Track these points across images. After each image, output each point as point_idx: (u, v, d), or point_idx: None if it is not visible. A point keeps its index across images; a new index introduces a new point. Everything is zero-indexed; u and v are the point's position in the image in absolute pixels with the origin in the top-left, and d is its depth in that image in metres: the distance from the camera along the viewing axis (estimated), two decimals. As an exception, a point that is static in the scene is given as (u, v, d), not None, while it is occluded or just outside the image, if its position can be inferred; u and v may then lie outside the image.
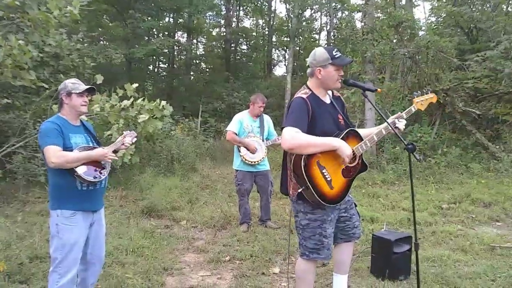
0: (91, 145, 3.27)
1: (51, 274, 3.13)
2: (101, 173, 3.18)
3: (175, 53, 25.40)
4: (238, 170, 5.88)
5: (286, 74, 21.86)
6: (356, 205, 3.34)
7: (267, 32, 27.51)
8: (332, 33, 23.52)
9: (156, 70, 25.64)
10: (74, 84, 3.23)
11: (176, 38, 24.36)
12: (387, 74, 12.72)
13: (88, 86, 3.27)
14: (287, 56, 27.24)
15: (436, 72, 10.69)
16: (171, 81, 24.01)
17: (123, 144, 3.41)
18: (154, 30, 22.40)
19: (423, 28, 13.34)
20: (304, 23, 25.56)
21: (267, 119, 6.12)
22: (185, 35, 25.44)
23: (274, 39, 27.55)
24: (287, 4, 24.95)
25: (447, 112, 10.95)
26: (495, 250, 4.77)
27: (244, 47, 26.99)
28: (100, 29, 20.44)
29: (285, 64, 27.24)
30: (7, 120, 8.15)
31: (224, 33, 25.08)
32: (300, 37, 26.29)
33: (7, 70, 6.79)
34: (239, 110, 19.64)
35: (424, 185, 8.40)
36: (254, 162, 5.72)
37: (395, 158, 9.92)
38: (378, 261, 4.05)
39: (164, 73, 25.50)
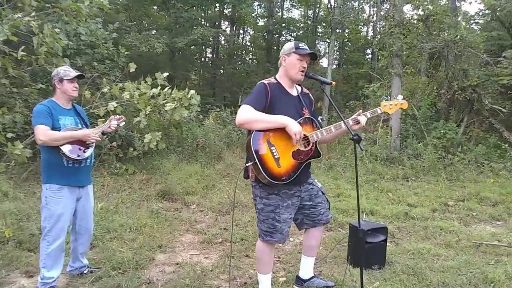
0: (79, 126, 3.57)
1: (42, 241, 3.50)
2: (84, 152, 3.48)
3: (221, 43, 25.72)
4: None
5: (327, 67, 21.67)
6: (324, 193, 3.46)
7: (311, 23, 27.24)
8: (378, 25, 23.05)
9: (202, 59, 26.11)
10: (65, 71, 3.55)
11: (222, 28, 24.72)
12: (422, 68, 12.43)
13: (78, 73, 3.58)
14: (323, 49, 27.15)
15: (465, 67, 10.34)
16: (215, 71, 24.43)
17: (109, 127, 3.69)
18: (200, 19, 22.81)
19: (460, 20, 12.84)
20: (351, 15, 25.17)
21: None
22: (229, 25, 25.74)
23: (320, 30, 27.31)
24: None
25: (475, 109, 10.61)
26: (480, 247, 4.71)
27: (288, 37, 26.93)
28: (148, 18, 21.21)
29: (325, 57, 26.96)
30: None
31: (267, 24, 25.12)
32: (346, 29, 25.91)
33: (41, 57, 7.31)
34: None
35: (438, 182, 8.26)
36: None
37: (417, 154, 9.76)
38: (353, 250, 4.14)
39: (210, 63, 25.94)
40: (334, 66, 26.44)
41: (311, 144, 3.14)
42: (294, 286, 3.67)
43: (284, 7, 27.58)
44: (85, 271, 3.84)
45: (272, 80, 3.23)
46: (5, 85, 7.64)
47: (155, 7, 21.32)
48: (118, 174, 8.02)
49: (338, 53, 27.83)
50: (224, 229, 5.36)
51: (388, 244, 4.74)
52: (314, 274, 3.67)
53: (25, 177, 7.35)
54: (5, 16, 6.76)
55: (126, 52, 10.60)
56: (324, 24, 26.89)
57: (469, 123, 10.96)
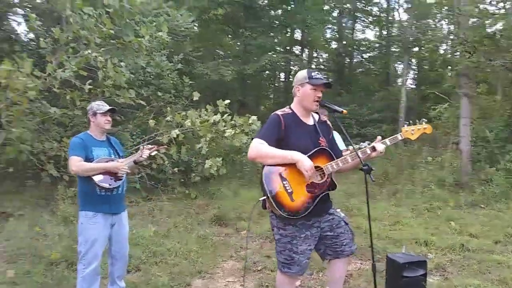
0: (112, 157, 3.79)
1: (78, 264, 3.72)
2: (115, 181, 3.68)
3: (291, 67, 25.94)
4: None
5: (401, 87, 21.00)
6: (347, 223, 3.34)
7: (384, 43, 26.63)
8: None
9: (275, 83, 26.46)
10: (98, 105, 3.80)
11: (293, 51, 24.97)
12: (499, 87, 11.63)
13: (110, 107, 3.81)
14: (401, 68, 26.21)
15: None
16: (287, 95, 24.63)
17: (141, 156, 3.88)
18: (271, 45, 23.22)
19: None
20: (428, 33, 24.29)
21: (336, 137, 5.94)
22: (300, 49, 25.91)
23: (394, 49, 26.62)
24: (407, 14, 24.00)
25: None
26: None
27: (359, 59, 26.54)
28: (220, 47, 22.04)
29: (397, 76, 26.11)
30: (112, 133, 9.31)
31: (337, 47, 24.98)
32: (421, 47, 25.01)
33: (107, 90, 7.89)
34: (347, 124, 19.58)
35: (509, 210, 7.58)
36: None
37: (489, 179, 9.05)
38: (390, 283, 3.93)
39: (282, 87, 26.21)
40: (413, 86, 25.62)
41: (326, 176, 3.07)
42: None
43: (356, 28, 27.32)
44: (122, 294, 4.01)
45: (286, 110, 3.19)
46: (79, 116, 8.25)
47: (228, 36, 22.14)
48: (177, 199, 8.30)
49: (416, 72, 26.94)
50: (266, 256, 5.33)
51: (436, 278, 4.50)
52: (342, 307, 3.53)
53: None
54: (72, 53, 7.37)
55: (190, 82, 11.07)
56: (397, 43, 26.19)
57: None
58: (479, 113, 10.45)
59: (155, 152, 4.03)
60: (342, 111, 3.13)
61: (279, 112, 3.15)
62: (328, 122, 3.39)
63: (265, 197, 3.00)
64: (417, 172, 10.05)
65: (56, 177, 7.34)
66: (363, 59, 25.96)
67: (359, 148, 3.23)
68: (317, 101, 3.11)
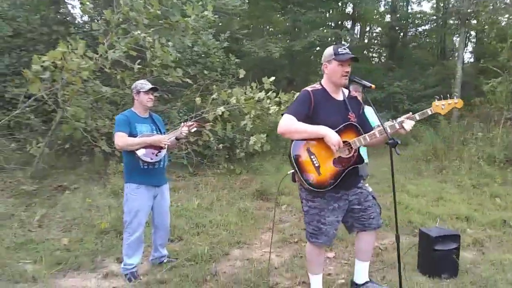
0: (154, 133, 4.05)
1: (124, 233, 4.05)
2: (157, 155, 3.94)
3: (343, 42, 25.49)
4: None
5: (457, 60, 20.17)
6: (374, 198, 3.44)
7: (441, 15, 25.52)
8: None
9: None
10: (142, 84, 4.05)
11: (344, 26, 24.49)
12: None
13: (152, 86, 4.05)
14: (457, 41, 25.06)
15: None
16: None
17: (181, 133, 4.11)
18: (321, 20, 22.82)
19: None
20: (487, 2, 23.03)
21: (369, 111, 5.84)
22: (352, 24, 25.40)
23: (452, 21, 25.45)
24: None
25: None
26: None
27: (414, 33, 25.63)
28: (269, 23, 21.93)
29: (454, 50, 25.00)
30: (160, 110, 9.67)
31: (390, 20, 24.23)
32: (479, 19, 23.76)
33: (155, 69, 8.20)
34: (399, 99, 19.14)
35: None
36: None
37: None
38: (421, 257, 4.00)
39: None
40: (471, 60, 24.55)
41: (353, 151, 3.16)
42: (349, 290, 3.69)
43: (411, 1, 26.31)
44: (164, 261, 4.32)
45: (316, 86, 3.28)
46: (129, 94, 8.63)
47: (277, 13, 21.98)
48: (222, 174, 8.58)
49: (474, 45, 25.73)
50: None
51: (474, 253, 4.51)
52: (370, 279, 3.63)
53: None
54: (122, 34, 7.69)
55: (237, 59, 11.22)
56: (454, 15, 24.98)
57: None
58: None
59: (195, 128, 4.26)
60: (371, 86, 3.17)
61: (309, 88, 3.26)
62: (359, 98, 3.45)
63: (293, 171, 3.15)
64: (467, 148, 9.80)
65: (108, 152, 7.78)
66: (418, 33, 25.01)
67: (390, 123, 3.27)
68: (345, 75, 3.18)
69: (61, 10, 11.32)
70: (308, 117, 3.13)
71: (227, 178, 8.37)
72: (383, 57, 25.85)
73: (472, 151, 9.38)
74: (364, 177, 5.77)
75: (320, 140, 3.07)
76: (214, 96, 9.18)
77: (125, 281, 3.91)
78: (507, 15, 9.26)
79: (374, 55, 26.32)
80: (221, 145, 9.12)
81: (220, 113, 8.66)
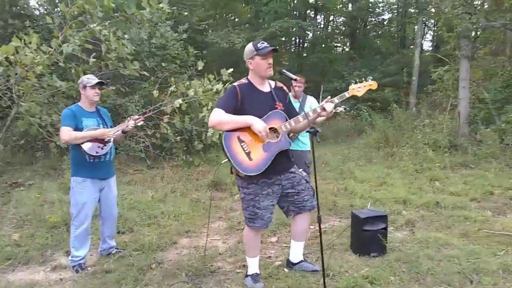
0: (100, 127, 4.17)
1: (71, 226, 4.20)
2: (103, 148, 4.09)
3: (305, 33, 25.69)
4: None
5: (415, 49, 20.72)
6: (308, 181, 3.70)
7: (400, 6, 26.01)
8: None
9: (291, 49, 26.24)
10: (88, 79, 4.18)
11: (308, 16, 24.70)
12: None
13: (98, 80, 4.18)
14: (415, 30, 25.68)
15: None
16: (301, 61, 24.55)
17: (127, 126, 4.26)
18: (285, 10, 22.94)
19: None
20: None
21: (310, 101, 5.69)
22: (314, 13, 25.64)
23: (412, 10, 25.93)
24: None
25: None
26: (499, 237, 4.57)
27: (374, 22, 26.08)
28: (235, 13, 21.92)
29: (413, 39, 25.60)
30: (118, 104, 9.72)
31: (351, 10, 24.61)
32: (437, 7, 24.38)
33: (111, 62, 8.23)
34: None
35: (496, 169, 7.89)
36: None
37: (483, 141, 9.24)
38: (353, 237, 4.34)
39: (296, 53, 26.07)
40: (431, 48, 25.17)
41: (280, 136, 3.42)
42: (284, 269, 3.96)
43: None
44: (113, 252, 4.47)
45: (243, 81, 3.55)
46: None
47: (241, 2, 21.94)
48: (179, 166, 8.73)
49: (435, 34, 26.34)
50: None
51: (404, 233, 4.85)
52: (304, 259, 3.94)
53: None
54: (78, 27, 7.68)
55: (196, 51, 11.33)
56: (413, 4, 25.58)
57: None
58: (482, 75, 10.49)
59: (141, 122, 4.40)
60: (296, 78, 3.48)
61: (235, 83, 3.54)
62: (285, 88, 3.71)
63: (226, 160, 3.38)
64: (414, 135, 10.29)
65: (64, 148, 7.80)
66: (379, 22, 25.47)
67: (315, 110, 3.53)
68: (269, 67, 3.44)
69: (19, 3, 11.13)
70: (237, 110, 3.38)
71: (184, 170, 8.52)
72: (346, 47, 26.22)
73: (419, 137, 9.85)
74: (308, 163, 6.03)
75: (249, 128, 3.33)
76: (172, 88, 9.28)
77: (73, 273, 4.06)
78: (452, 4, 9.61)
79: (338, 44, 26.65)
80: (179, 138, 9.25)
81: (178, 106, 8.77)
